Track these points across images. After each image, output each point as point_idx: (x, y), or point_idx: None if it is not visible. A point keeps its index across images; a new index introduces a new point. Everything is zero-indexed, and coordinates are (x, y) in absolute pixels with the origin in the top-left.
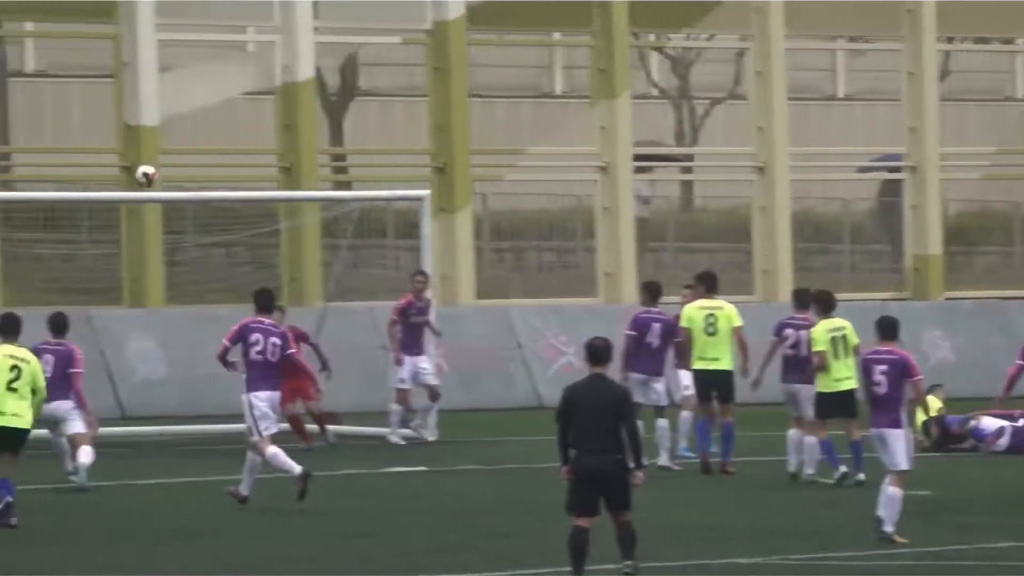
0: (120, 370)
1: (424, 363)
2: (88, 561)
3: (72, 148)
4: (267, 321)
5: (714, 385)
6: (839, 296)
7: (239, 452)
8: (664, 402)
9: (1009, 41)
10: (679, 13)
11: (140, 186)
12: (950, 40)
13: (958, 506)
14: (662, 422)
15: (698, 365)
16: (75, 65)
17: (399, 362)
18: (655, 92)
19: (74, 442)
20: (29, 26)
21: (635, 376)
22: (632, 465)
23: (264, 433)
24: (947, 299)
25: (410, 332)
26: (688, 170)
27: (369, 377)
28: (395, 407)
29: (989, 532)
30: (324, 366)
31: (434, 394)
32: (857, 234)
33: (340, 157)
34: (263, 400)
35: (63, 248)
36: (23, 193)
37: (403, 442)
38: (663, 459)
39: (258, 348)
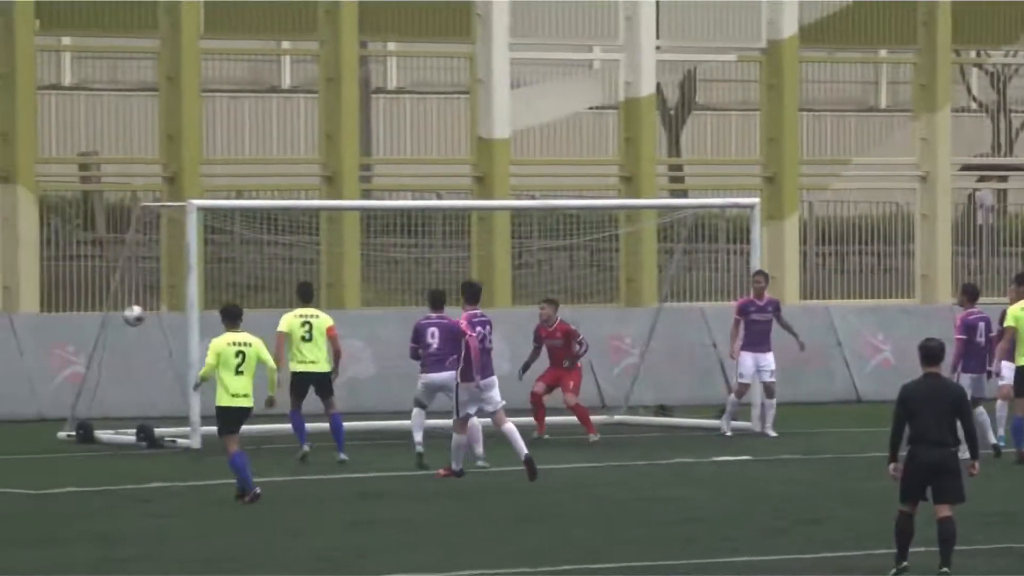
0: None
1: (765, 360)
2: (436, 544)
3: (429, 159)
4: (479, 312)
5: None
6: None
7: (572, 442)
8: (986, 394)
9: None
10: (1000, 29)
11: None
12: None
13: None
14: (981, 409)
15: (1021, 362)
16: (433, 82)
17: (732, 356)
18: (974, 106)
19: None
20: (391, 46)
21: (967, 375)
22: (970, 457)
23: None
24: None
25: (752, 330)
26: (1004, 179)
27: (698, 372)
28: (732, 399)
29: None
30: (573, 362)
31: (770, 391)
32: None
33: (677, 167)
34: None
35: (417, 252)
36: (383, 202)
37: (731, 433)
38: (991, 438)
39: (477, 339)
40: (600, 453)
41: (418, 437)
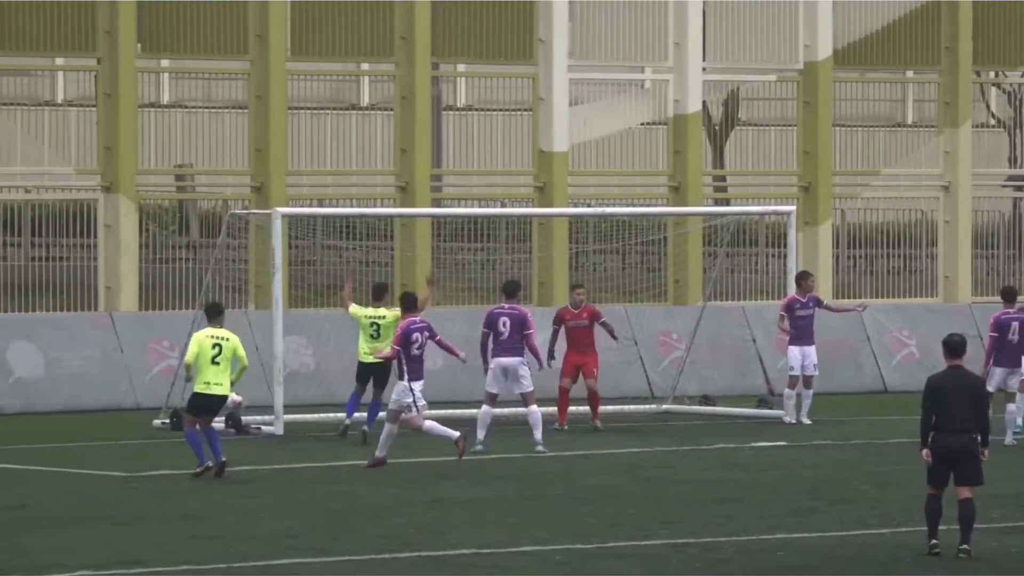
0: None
1: (810, 354)
2: (498, 523)
3: (494, 171)
4: (419, 320)
5: None
6: None
7: (624, 429)
8: (1018, 388)
9: None
10: (1016, 51)
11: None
12: None
13: None
14: (1012, 407)
15: None
16: (498, 100)
17: (781, 348)
18: (993, 122)
19: (527, 399)
20: (461, 67)
21: (999, 368)
22: (981, 444)
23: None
24: None
25: (797, 325)
26: (1021, 188)
27: (739, 365)
28: (787, 391)
29: None
30: (612, 336)
31: (809, 383)
32: None
33: (721, 177)
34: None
35: (483, 256)
36: (453, 210)
37: (794, 421)
38: (1008, 438)
39: (417, 345)
40: (649, 439)
41: (481, 435)
